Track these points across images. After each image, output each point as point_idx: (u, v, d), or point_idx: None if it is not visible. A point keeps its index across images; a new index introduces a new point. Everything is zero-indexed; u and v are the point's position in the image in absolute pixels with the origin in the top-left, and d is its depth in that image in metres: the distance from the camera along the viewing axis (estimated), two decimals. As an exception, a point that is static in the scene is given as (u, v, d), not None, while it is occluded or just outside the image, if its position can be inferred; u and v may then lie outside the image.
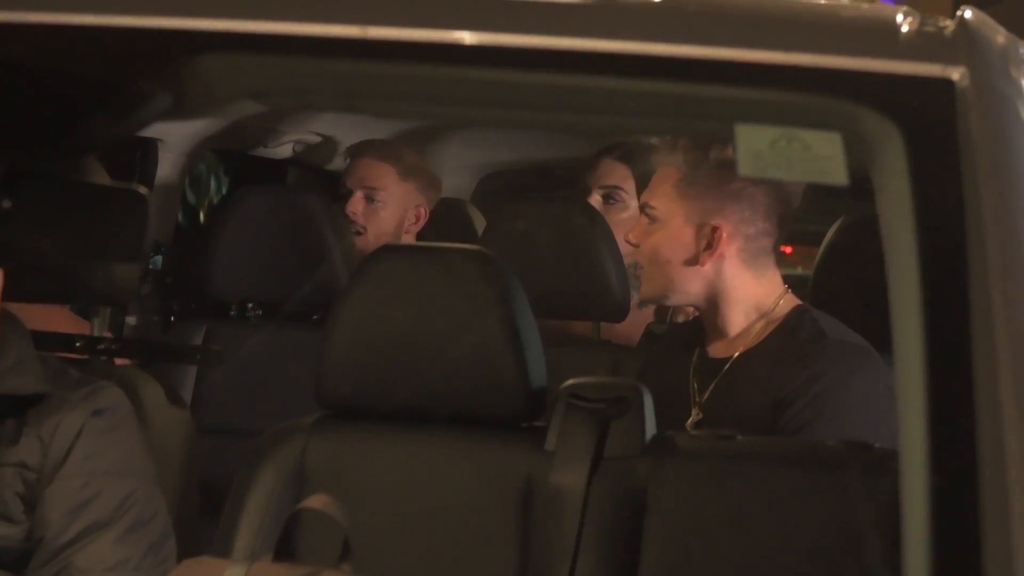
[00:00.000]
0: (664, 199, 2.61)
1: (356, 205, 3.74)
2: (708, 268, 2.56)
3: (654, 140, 3.68)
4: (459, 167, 4.57)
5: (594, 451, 2.08)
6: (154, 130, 3.47)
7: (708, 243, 2.55)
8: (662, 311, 3.62)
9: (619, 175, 3.65)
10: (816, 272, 3.19)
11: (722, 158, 2.55)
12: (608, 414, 2.11)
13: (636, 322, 3.53)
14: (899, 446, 1.20)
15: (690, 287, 2.58)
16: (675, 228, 2.59)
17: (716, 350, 2.62)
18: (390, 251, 2.39)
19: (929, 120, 1.33)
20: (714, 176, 2.56)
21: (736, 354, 2.56)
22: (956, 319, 1.21)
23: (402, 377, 2.14)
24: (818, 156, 1.32)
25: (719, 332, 2.60)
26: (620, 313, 3.36)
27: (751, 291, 2.57)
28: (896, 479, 1.22)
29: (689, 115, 1.49)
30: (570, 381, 2.16)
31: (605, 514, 2.05)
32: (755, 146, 1.32)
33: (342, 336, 2.17)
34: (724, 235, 2.54)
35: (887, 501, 1.26)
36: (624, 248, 3.18)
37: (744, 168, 1.33)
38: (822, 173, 1.33)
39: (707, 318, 2.62)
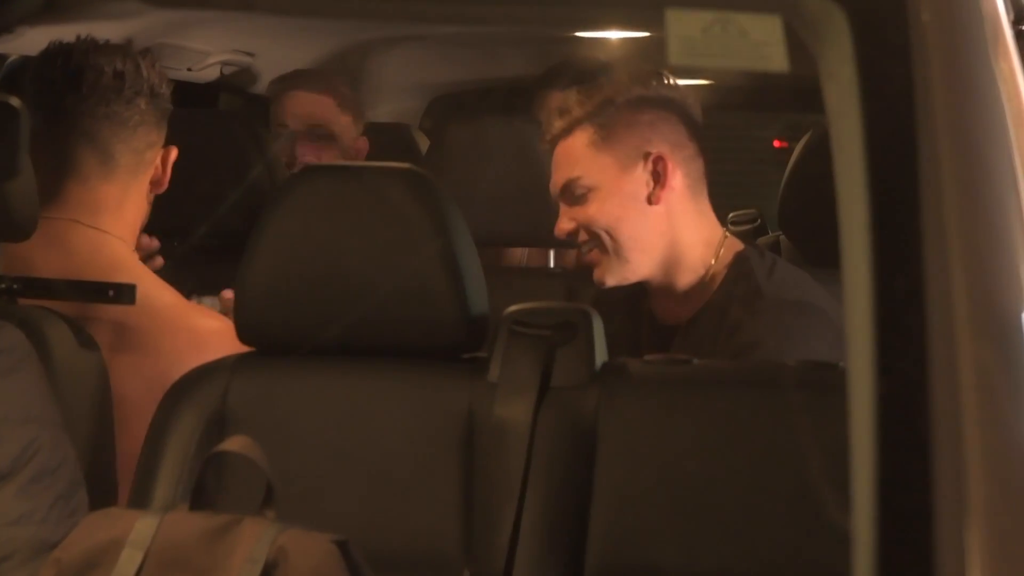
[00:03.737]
0: (586, 163, 2.53)
1: (306, 151, 3.56)
2: (661, 209, 2.50)
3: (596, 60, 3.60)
4: (405, 88, 4.49)
5: (540, 380, 2.07)
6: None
7: (654, 175, 2.50)
8: None
9: None
10: (784, 190, 3.18)
11: (628, 96, 2.50)
12: (554, 341, 2.09)
13: None
14: (846, 351, 1.19)
15: (649, 242, 2.50)
16: (612, 183, 2.52)
17: (666, 315, 2.57)
18: (314, 171, 2.35)
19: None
20: (625, 114, 2.51)
21: (686, 320, 2.52)
22: (905, 209, 1.20)
23: (330, 308, 2.11)
24: (756, 42, 1.30)
25: (667, 292, 2.55)
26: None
27: (697, 233, 2.52)
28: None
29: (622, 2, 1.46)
30: (513, 307, 2.13)
31: (553, 446, 2.03)
32: (686, 32, 1.29)
33: (262, 265, 2.13)
34: (669, 164, 2.49)
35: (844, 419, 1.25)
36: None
37: (675, 56, 1.30)
38: (761, 59, 1.30)
39: (657, 278, 2.54)
